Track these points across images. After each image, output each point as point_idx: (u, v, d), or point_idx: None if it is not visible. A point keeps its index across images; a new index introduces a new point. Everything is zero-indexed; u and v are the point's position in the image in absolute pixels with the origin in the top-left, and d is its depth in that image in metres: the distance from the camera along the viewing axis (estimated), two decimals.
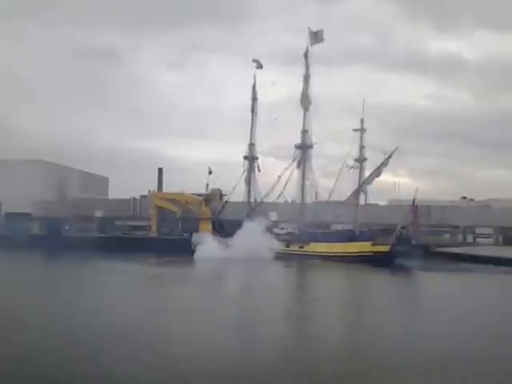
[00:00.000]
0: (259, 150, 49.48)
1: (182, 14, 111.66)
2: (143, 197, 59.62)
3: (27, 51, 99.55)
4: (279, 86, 55.49)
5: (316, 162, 48.19)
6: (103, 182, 74.19)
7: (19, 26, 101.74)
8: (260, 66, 49.33)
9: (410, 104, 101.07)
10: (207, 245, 41.77)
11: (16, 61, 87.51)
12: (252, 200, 48.96)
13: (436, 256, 42.68)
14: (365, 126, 46.36)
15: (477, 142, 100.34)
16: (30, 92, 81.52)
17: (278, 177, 46.99)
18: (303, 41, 47.34)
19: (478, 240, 54.60)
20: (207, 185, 50.14)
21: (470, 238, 55.06)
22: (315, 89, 47.00)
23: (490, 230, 55.35)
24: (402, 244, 39.75)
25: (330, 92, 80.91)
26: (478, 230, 55.15)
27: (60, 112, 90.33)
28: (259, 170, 48.69)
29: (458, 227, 55.20)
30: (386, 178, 48.02)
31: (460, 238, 55.55)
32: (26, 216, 54.35)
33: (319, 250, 42.03)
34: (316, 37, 46.69)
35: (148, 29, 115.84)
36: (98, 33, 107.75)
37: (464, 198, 67.77)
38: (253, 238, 40.49)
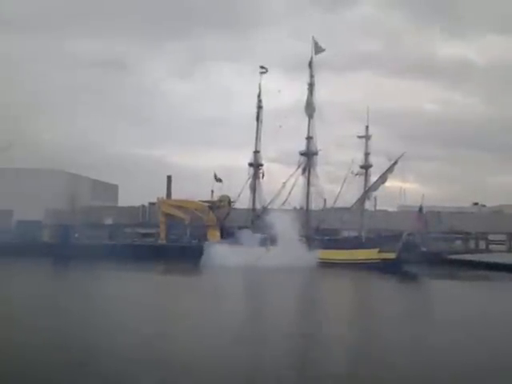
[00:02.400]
0: (266, 156, 49.40)
1: (189, 22, 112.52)
2: (152, 204, 59.76)
3: (37, 62, 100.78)
4: (286, 92, 55.74)
5: (323, 168, 48.03)
6: (113, 189, 74.53)
7: (29, 38, 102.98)
8: (265, 71, 49.42)
9: (419, 109, 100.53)
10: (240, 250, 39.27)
11: (27, 71, 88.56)
12: (258, 206, 48.79)
13: (448, 263, 42.18)
14: (374, 132, 46.41)
15: (487, 147, 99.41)
16: (40, 102, 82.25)
17: (282, 183, 46.94)
18: (309, 47, 47.43)
19: (491, 247, 53.79)
20: (212, 191, 50.39)
21: (482, 245, 54.28)
22: (321, 95, 46.99)
23: (502, 237, 54.51)
24: (409, 251, 39.42)
25: (337, 98, 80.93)
26: (491, 237, 54.34)
27: (70, 121, 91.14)
28: (263, 177, 48.69)
29: (469, 234, 54.48)
30: (396, 184, 47.69)
31: (472, 244, 54.80)
32: (37, 224, 54.68)
33: (325, 257, 41.67)
34: (317, 47, 46.96)
35: (155, 38, 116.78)
36: (106, 43, 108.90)
37: (476, 204, 67.03)
38: (290, 242, 39.15)
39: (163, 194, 58.33)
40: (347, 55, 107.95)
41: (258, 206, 48.54)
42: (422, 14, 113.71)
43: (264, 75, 49.64)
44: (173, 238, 52.74)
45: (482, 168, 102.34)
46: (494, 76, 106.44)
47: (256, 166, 49.00)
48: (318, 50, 47.11)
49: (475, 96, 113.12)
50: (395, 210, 59.59)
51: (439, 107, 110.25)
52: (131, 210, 61.32)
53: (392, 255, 40.21)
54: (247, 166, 48.92)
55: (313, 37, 47.25)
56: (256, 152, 49.17)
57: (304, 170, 46.83)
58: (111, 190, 73.79)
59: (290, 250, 38.20)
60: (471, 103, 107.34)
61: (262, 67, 49.54)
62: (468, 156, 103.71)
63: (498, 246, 53.54)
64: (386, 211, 56.01)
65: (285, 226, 40.60)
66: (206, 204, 51.09)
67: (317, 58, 47.46)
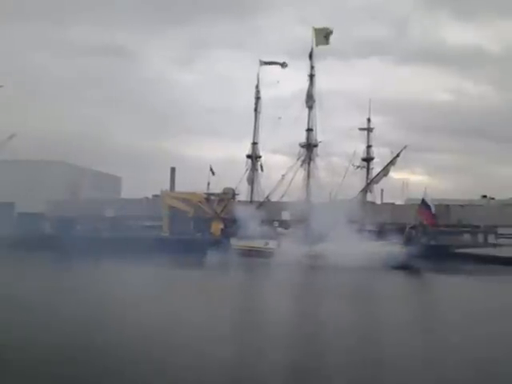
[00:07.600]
0: (267, 147, 48.23)
1: (192, 9, 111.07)
2: (156, 196, 59.16)
3: (39, 50, 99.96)
4: (290, 81, 54.08)
5: (329, 159, 47.03)
6: (116, 181, 74.03)
7: (31, 26, 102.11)
8: (286, 65, 48.40)
9: (429, 98, 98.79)
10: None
11: (29, 60, 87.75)
12: (256, 199, 47.90)
13: (456, 257, 41.40)
14: (382, 122, 46.01)
15: (499, 138, 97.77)
16: (42, 91, 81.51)
17: (281, 176, 46.02)
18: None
19: (500, 240, 52.78)
20: (208, 184, 49.74)
21: (491, 239, 53.29)
22: (325, 85, 46.04)
23: None
24: (412, 244, 38.50)
25: (343, 86, 79.48)
26: (500, 230, 53.31)
27: (72, 111, 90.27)
28: (262, 170, 47.86)
29: (478, 227, 53.50)
30: (404, 176, 46.95)
31: (481, 238, 53.82)
32: (39, 216, 54.22)
33: None
34: (322, 37, 45.68)
35: (156, 24, 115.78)
36: (109, 31, 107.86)
37: (484, 196, 65.80)
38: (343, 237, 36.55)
39: (167, 185, 57.82)
40: (354, 41, 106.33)
41: (257, 199, 47.75)
42: None
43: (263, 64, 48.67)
44: (176, 231, 52.16)
45: (495, 160, 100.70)
46: (508, 64, 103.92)
47: (254, 157, 48.14)
48: (319, 41, 45.85)
49: (487, 84, 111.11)
50: (402, 203, 58.68)
51: (450, 96, 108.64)
52: (134, 202, 60.69)
53: (395, 248, 39.25)
54: (245, 158, 48.11)
55: (313, 26, 46.24)
56: (254, 143, 48.31)
57: (303, 162, 45.90)
58: (114, 181, 73.28)
59: (345, 246, 35.57)
60: (484, 92, 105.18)
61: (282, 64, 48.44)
62: (481, 147, 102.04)
63: (508, 239, 52.50)
64: (392, 204, 55.21)
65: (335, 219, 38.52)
66: (204, 196, 50.51)
67: (322, 46, 46.34)
